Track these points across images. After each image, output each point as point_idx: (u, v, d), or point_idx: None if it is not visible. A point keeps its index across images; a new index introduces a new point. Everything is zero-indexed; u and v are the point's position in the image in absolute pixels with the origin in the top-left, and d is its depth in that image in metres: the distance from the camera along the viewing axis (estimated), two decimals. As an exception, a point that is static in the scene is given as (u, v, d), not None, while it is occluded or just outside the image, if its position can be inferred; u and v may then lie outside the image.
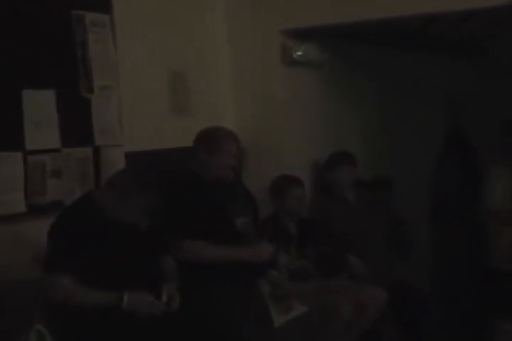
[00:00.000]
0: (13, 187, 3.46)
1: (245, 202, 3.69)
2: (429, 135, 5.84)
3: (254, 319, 3.49)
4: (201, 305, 3.36)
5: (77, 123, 3.76)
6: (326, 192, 4.79)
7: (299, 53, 4.55)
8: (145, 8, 4.13)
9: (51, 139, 3.63)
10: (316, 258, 4.33)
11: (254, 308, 3.53)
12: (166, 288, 3.19)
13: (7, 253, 3.27)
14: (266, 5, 4.50)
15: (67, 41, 3.73)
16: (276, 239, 3.81)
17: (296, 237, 4.39)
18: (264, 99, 4.67)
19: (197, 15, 4.51)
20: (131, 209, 3.12)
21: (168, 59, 4.29)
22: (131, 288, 3.08)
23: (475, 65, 6.18)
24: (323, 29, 4.43)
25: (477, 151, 6.16)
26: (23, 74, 3.53)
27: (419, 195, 5.68)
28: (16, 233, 3.38)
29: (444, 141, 6.05)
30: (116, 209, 3.10)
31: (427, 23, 4.68)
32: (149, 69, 4.18)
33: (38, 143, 3.58)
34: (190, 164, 3.61)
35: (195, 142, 3.61)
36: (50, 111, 3.62)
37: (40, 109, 3.57)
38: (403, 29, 4.69)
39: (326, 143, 4.95)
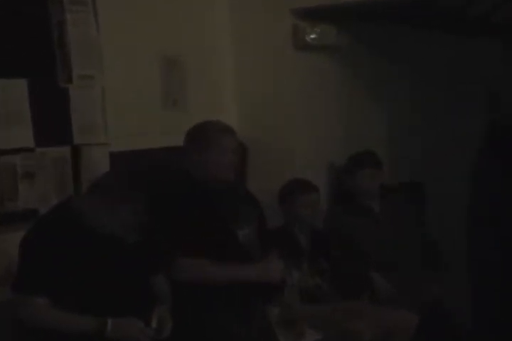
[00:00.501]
0: (-21, 193, 3.36)
1: (249, 209, 3.62)
2: (465, 131, 5.70)
3: (257, 333, 3.48)
4: (197, 322, 3.34)
5: (53, 119, 3.69)
6: (345, 200, 4.65)
7: (313, 36, 4.48)
8: (133, -17, 4.04)
9: (23, 137, 3.56)
10: (332, 276, 4.26)
11: (256, 324, 3.52)
12: (157, 312, 3.14)
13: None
14: (274, -20, 4.35)
15: (42, 22, 3.65)
16: (286, 254, 3.72)
17: (308, 251, 4.31)
18: (271, 89, 4.59)
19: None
20: (117, 219, 3.09)
21: (161, 43, 4.22)
22: (117, 311, 3.02)
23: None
24: (340, 8, 4.30)
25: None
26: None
27: (453, 202, 5.53)
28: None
29: (484, 139, 5.80)
30: (100, 219, 3.07)
31: (469, 2, 4.57)
32: (138, 56, 4.10)
33: (7, 142, 3.50)
34: (182, 164, 3.56)
35: (186, 139, 3.55)
36: (22, 103, 3.55)
37: (10, 101, 3.51)
38: (437, 8, 4.57)
39: (345, 142, 4.82)
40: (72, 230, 3.05)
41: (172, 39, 4.28)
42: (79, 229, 3.06)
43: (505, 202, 5.09)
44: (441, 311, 4.44)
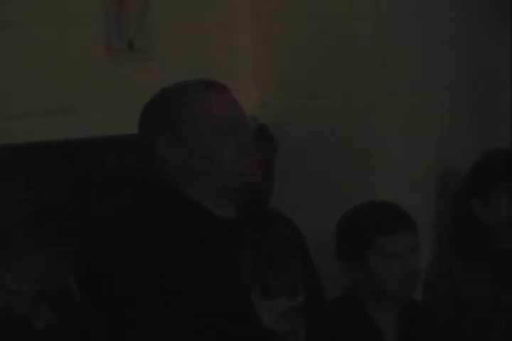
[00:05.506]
0: None
1: (289, 254, 2.47)
2: None
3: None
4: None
5: None
6: (471, 246, 3.17)
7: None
8: None
9: None
10: None
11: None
12: None
13: None
14: None
15: None
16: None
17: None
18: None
19: None
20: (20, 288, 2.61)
21: None
22: None
23: None
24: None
25: None
26: None
27: None
28: None
29: None
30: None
31: None
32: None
33: None
34: (162, 175, 2.36)
35: (142, 122, 2.42)
36: None
37: None
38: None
39: (455, 124, 3.36)
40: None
41: None
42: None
43: None
44: None
